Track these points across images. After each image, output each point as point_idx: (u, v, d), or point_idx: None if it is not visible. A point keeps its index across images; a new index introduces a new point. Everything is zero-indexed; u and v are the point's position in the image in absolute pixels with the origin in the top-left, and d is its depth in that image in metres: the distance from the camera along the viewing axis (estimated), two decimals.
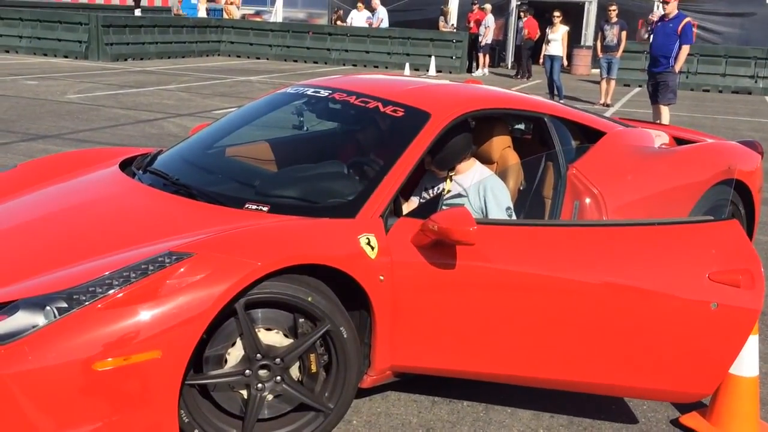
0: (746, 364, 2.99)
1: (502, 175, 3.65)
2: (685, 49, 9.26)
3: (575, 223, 3.38)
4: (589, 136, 4.02)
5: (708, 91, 18.10)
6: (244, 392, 2.71)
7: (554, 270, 2.89)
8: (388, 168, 3.14)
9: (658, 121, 9.11)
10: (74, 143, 8.39)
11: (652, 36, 9.61)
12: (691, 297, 2.84)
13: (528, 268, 2.90)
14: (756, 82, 18.16)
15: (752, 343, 2.98)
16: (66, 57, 19.12)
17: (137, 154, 3.91)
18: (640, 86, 17.94)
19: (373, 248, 2.83)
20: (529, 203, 3.75)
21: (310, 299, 2.66)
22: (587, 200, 3.61)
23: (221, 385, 2.68)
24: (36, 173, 3.74)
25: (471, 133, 3.54)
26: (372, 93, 3.64)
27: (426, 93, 3.70)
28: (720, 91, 18.14)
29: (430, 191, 3.64)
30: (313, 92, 3.84)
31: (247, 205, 3.04)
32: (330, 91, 3.77)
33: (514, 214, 3.49)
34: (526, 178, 3.78)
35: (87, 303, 2.37)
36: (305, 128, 4.19)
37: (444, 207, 3.29)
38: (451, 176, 3.53)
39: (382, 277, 2.82)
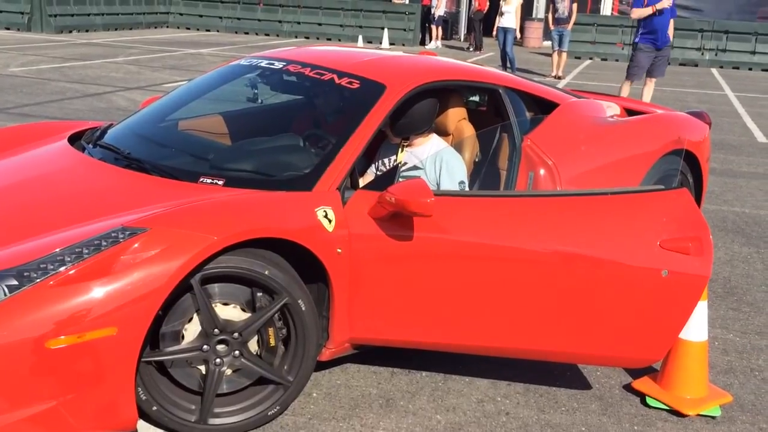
0: (696, 329, 3.08)
1: (458, 147, 3.66)
2: (672, 22, 9.62)
3: (530, 194, 3.41)
4: (543, 107, 4.05)
5: None
6: (203, 368, 2.69)
7: (510, 240, 2.92)
8: (344, 140, 3.12)
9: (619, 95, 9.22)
10: (19, 118, 8.14)
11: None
12: (642, 264, 2.90)
13: (484, 238, 2.92)
14: (702, 54, 18.50)
15: (701, 308, 3.07)
16: (8, 29, 18.48)
17: (86, 128, 3.81)
18: (590, 59, 18.17)
19: (330, 221, 2.82)
20: (484, 174, 3.77)
21: (267, 273, 2.64)
22: (542, 171, 3.65)
23: (179, 362, 2.65)
24: None
25: (436, 111, 3.53)
26: (327, 65, 3.60)
27: (381, 64, 3.67)
28: (668, 63, 18.42)
29: (387, 163, 3.63)
30: (267, 64, 3.78)
31: (201, 179, 3.00)
32: (284, 63, 3.72)
33: (467, 187, 3.51)
34: (481, 149, 3.80)
35: (38, 280, 2.32)
36: (259, 101, 4.13)
37: (401, 179, 3.29)
38: (403, 145, 3.53)
39: (339, 250, 2.81)
